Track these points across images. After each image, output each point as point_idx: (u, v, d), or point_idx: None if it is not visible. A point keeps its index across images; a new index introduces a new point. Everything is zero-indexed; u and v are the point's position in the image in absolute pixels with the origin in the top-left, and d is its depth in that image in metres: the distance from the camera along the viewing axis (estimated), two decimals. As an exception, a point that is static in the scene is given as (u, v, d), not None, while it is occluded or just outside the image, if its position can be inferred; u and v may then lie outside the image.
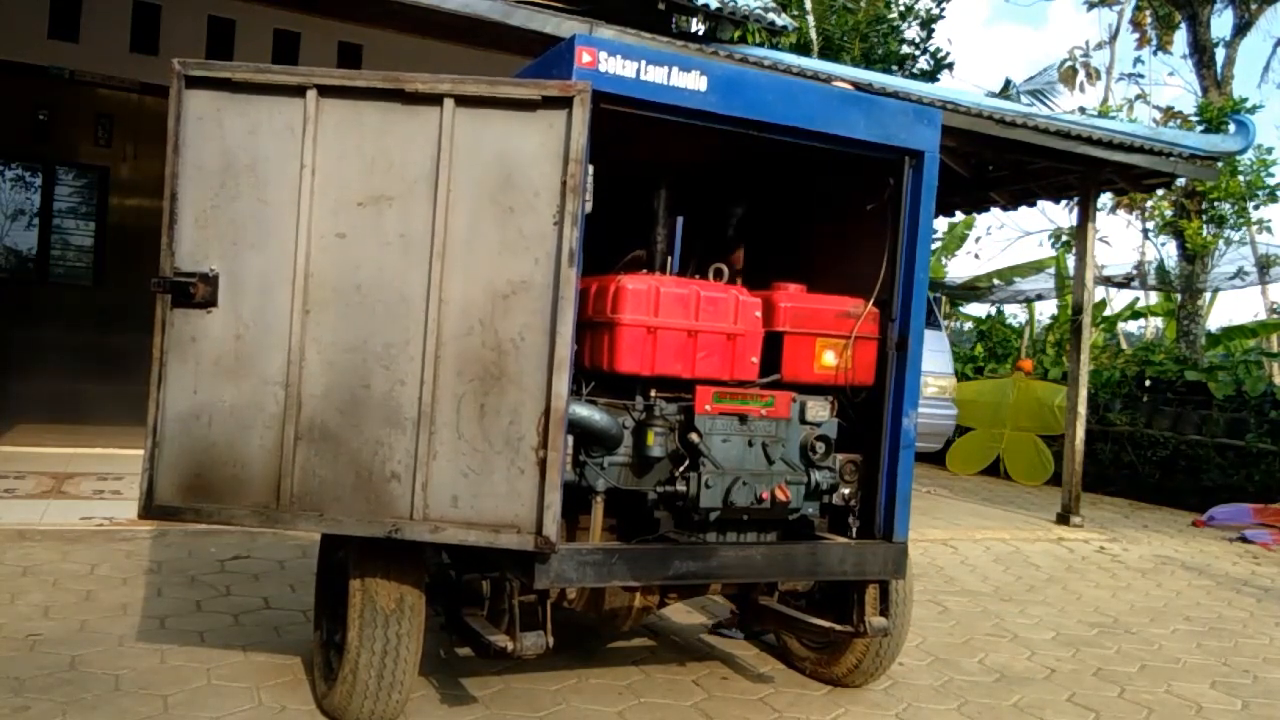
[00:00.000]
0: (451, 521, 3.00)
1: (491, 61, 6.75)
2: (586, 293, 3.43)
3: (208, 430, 3.06)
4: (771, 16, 9.79)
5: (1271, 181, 14.11)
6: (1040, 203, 10.83)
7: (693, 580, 3.47)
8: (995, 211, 11.74)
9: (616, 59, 3.11)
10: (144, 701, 3.46)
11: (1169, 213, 15.04)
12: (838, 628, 3.76)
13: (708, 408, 3.41)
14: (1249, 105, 13.65)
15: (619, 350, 3.30)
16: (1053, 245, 17.48)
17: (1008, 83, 20.03)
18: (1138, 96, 19.17)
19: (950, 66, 19.84)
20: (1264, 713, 4.37)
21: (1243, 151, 10.10)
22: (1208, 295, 16.00)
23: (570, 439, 3.14)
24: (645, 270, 3.73)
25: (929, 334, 6.19)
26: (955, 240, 19.55)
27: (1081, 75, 19.28)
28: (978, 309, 20.20)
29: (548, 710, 3.68)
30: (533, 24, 6.43)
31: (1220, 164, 9.72)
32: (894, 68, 18.66)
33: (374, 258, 3.02)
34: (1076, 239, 9.60)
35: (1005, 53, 63.31)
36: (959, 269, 20.49)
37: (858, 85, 6.20)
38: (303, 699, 3.59)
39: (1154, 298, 17.90)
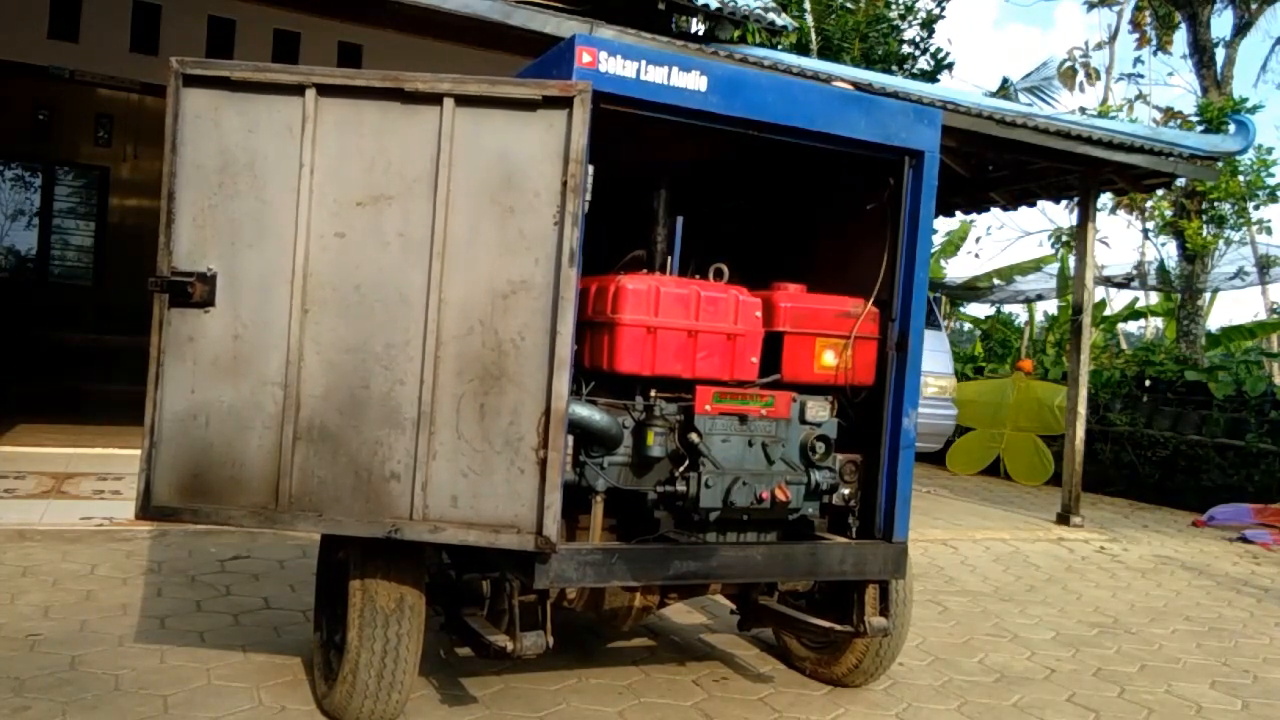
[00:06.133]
0: (451, 522, 2.99)
1: (491, 61, 6.75)
2: (586, 293, 3.43)
3: (205, 430, 3.05)
4: (771, 16, 9.80)
5: (1271, 181, 14.09)
6: (1040, 203, 10.83)
7: (693, 580, 3.47)
8: (995, 211, 11.73)
9: (617, 59, 3.11)
10: (144, 701, 3.46)
11: (1169, 213, 15.01)
12: (838, 628, 3.76)
13: (708, 408, 3.40)
14: (1249, 105, 13.64)
15: (619, 350, 3.30)
16: (1053, 245, 17.47)
17: (1005, 81, 20.03)
18: (1138, 97, 19.14)
19: (950, 67, 19.85)
20: (1264, 713, 4.37)
21: (1243, 151, 10.09)
22: (1208, 295, 15.99)
23: (570, 439, 3.14)
24: (645, 270, 3.73)
25: (929, 334, 6.19)
26: (954, 244, 19.55)
27: (1081, 75, 19.27)
28: (978, 309, 20.23)
29: (548, 710, 3.68)
30: (533, 24, 6.43)
31: (1220, 164, 9.72)
32: (894, 68, 18.65)
33: (373, 257, 3.02)
34: (1076, 239, 9.60)
35: (1014, 54, 63.35)
36: (959, 269, 20.51)
37: (858, 85, 6.19)
38: (303, 699, 3.59)
39: (1154, 298, 17.89)
